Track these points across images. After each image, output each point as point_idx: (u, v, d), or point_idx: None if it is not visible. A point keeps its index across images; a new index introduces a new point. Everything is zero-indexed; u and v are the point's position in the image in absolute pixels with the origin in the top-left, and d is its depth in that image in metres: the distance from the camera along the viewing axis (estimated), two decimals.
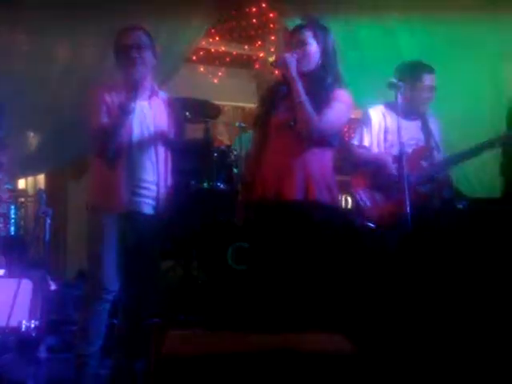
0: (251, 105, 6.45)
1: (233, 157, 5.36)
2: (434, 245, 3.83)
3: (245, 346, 2.58)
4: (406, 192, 3.29)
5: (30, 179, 6.79)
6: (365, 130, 4.02)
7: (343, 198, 5.07)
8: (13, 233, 6.31)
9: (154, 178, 3.44)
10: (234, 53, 7.79)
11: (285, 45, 3.42)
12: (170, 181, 3.53)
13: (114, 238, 3.36)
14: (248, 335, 2.71)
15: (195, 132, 5.68)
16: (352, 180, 4.08)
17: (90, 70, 5.19)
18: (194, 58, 7.25)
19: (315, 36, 3.34)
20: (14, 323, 4.18)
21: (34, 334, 4.21)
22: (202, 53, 7.43)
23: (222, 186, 5.15)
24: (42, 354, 4.08)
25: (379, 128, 4.00)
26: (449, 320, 3.67)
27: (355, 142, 4.04)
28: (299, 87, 3.24)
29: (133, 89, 3.27)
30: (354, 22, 5.24)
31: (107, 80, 3.97)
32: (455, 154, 4.03)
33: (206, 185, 5.14)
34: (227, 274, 5.04)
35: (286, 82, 3.38)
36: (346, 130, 5.26)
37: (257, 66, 7.75)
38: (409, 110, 3.97)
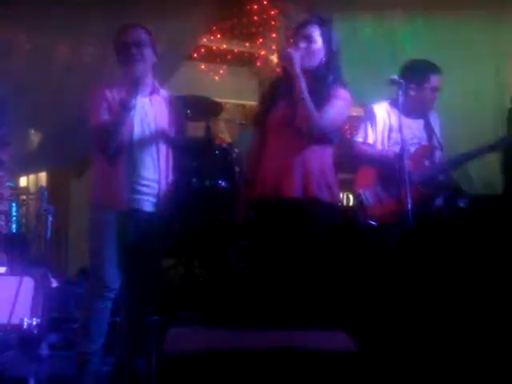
0: (252, 102, 6.45)
1: (234, 155, 5.35)
2: (436, 243, 3.83)
3: (246, 343, 2.58)
4: (408, 190, 3.29)
5: (32, 177, 6.80)
6: (369, 126, 4.00)
7: (344, 196, 5.07)
8: (14, 230, 6.33)
9: (156, 175, 3.44)
10: (236, 50, 7.77)
11: (288, 39, 3.41)
12: (171, 178, 3.53)
13: (116, 236, 3.37)
14: (249, 332, 2.72)
15: (196, 130, 5.67)
16: (355, 177, 4.06)
17: (91, 68, 5.19)
18: (195, 55, 7.24)
19: (321, 33, 3.33)
20: (15, 321, 4.19)
21: (35, 332, 4.22)
22: (203, 50, 7.41)
23: (223, 183, 5.14)
24: (44, 351, 4.08)
25: (384, 125, 3.98)
26: (451, 317, 3.67)
27: (359, 138, 4.02)
28: (302, 84, 3.23)
29: (133, 86, 3.27)
30: (357, 20, 5.24)
31: (108, 78, 3.98)
32: (457, 156, 4.02)
33: (207, 183, 5.14)
34: (228, 272, 5.04)
35: (286, 79, 3.38)
36: (347, 127, 5.26)
37: (258, 64, 7.73)
38: (413, 109, 3.97)
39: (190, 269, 5.09)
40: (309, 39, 3.31)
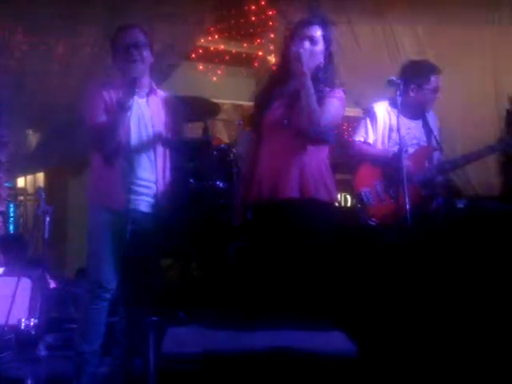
0: (250, 103, 6.45)
1: (232, 155, 5.35)
2: (434, 244, 3.83)
3: (244, 344, 2.58)
4: (406, 191, 3.29)
5: (30, 177, 6.78)
6: (369, 126, 4.00)
7: (342, 197, 5.07)
8: (12, 231, 6.32)
9: (153, 176, 3.44)
10: (233, 51, 7.77)
11: (287, 38, 3.38)
12: (168, 179, 3.52)
13: (113, 236, 3.36)
14: (247, 333, 2.71)
15: (194, 130, 5.68)
16: (355, 177, 4.05)
17: (89, 68, 5.19)
18: (193, 56, 7.23)
19: (323, 34, 3.33)
20: (13, 321, 4.19)
21: (33, 332, 4.22)
22: (201, 51, 7.40)
23: (221, 184, 5.14)
24: (42, 352, 4.08)
25: (384, 125, 3.98)
26: (450, 318, 3.68)
27: (359, 138, 4.02)
28: (310, 84, 3.21)
29: (131, 86, 3.27)
30: (355, 20, 5.25)
31: (105, 78, 3.97)
32: (457, 157, 4.03)
33: (204, 183, 5.14)
34: (226, 273, 5.04)
35: (284, 78, 3.38)
36: (345, 127, 5.27)
37: (256, 64, 7.73)
38: (413, 110, 3.98)
39: (188, 269, 5.09)
40: (312, 40, 3.29)
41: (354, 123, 4.64)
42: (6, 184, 5.43)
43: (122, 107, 3.25)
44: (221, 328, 2.83)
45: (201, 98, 5.53)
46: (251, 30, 7.44)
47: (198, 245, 5.18)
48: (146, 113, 3.45)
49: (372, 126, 3.99)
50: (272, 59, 6.87)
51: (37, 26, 5.19)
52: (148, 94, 3.49)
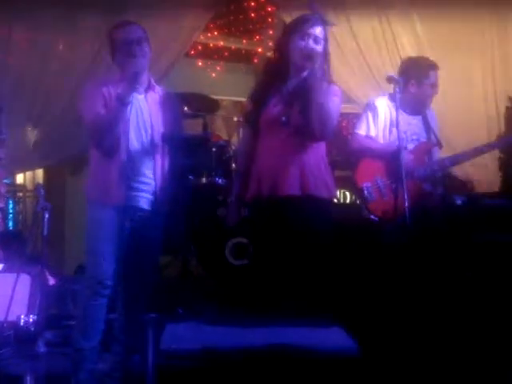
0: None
1: (231, 152, 5.36)
2: (434, 241, 3.83)
3: (243, 340, 2.58)
4: (405, 186, 3.29)
5: (29, 174, 6.76)
6: (371, 119, 4.01)
7: (341, 194, 5.07)
8: (11, 227, 6.31)
9: (152, 172, 3.43)
10: (233, 47, 7.77)
11: (286, 35, 3.37)
12: (167, 175, 3.52)
13: (112, 233, 3.36)
14: (246, 329, 2.71)
15: (194, 127, 5.67)
16: (356, 171, 4.03)
17: (88, 65, 5.18)
18: (193, 52, 7.23)
19: (324, 35, 3.32)
20: (12, 318, 4.19)
21: (32, 329, 4.22)
22: (200, 47, 7.41)
23: (220, 180, 5.16)
24: (41, 348, 4.08)
25: (385, 119, 3.99)
26: (452, 315, 3.68)
27: (361, 131, 4.02)
28: (322, 86, 3.21)
29: (131, 81, 3.27)
30: (353, 16, 5.24)
31: (104, 75, 3.97)
32: (456, 154, 4.04)
33: (204, 180, 5.14)
34: (225, 269, 5.04)
35: (283, 75, 3.37)
36: (344, 124, 5.27)
37: (255, 61, 7.73)
38: (412, 106, 4.01)
39: (187, 266, 5.09)
40: (316, 40, 3.28)
41: (353, 119, 4.64)
42: (5, 180, 5.42)
43: (123, 102, 3.25)
44: (220, 324, 2.83)
45: (200, 94, 5.55)
46: (250, 27, 7.45)
47: (197, 241, 5.19)
48: (145, 109, 3.45)
49: (373, 119, 4.00)
50: (271, 55, 6.87)
51: (36, 24, 5.18)
52: (146, 90, 3.48)
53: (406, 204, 3.24)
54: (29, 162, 5.53)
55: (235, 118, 5.78)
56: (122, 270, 3.41)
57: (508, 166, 4.79)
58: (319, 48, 3.26)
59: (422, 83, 3.98)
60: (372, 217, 3.90)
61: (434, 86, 4.02)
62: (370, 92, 4.89)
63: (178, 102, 3.79)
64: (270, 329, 2.70)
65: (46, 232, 4.21)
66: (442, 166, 4.03)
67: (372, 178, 3.93)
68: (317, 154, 3.32)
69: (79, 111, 3.46)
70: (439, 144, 4.05)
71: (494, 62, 5.17)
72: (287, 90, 3.35)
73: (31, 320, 4.25)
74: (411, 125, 3.99)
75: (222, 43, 7.65)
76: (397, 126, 3.54)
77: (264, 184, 3.30)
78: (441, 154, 4.12)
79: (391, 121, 3.95)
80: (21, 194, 6.56)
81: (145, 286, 3.49)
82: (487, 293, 3.82)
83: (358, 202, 4.63)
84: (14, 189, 6.37)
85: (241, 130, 5.38)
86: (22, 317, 4.25)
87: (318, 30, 3.28)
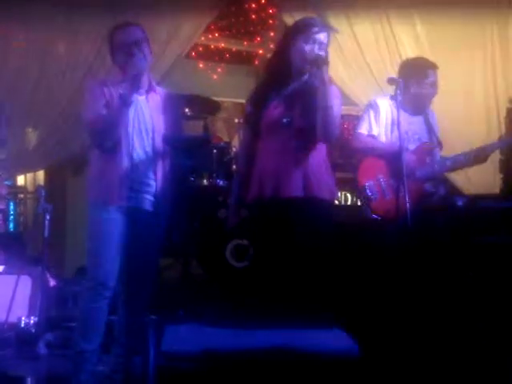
0: None
1: (232, 153, 5.36)
2: (435, 241, 3.83)
3: (244, 342, 2.58)
4: (406, 188, 3.30)
5: (30, 175, 6.77)
6: (373, 118, 4.01)
7: (342, 195, 5.06)
8: (12, 229, 6.31)
9: (153, 173, 3.43)
10: (234, 49, 7.77)
11: (289, 36, 3.37)
12: (168, 177, 3.52)
13: (113, 234, 3.36)
14: (247, 332, 2.71)
15: (194, 128, 5.68)
16: (358, 170, 4.02)
17: (89, 66, 5.18)
18: (194, 53, 7.24)
19: (328, 41, 3.33)
20: (13, 319, 4.19)
21: (33, 330, 4.22)
22: (201, 49, 7.41)
23: (221, 182, 5.16)
24: (41, 350, 4.08)
25: (387, 118, 4.00)
26: (454, 316, 3.68)
27: (363, 130, 4.02)
28: (329, 91, 3.21)
29: (133, 81, 3.27)
30: (354, 18, 5.24)
31: (105, 76, 3.97)
32: (458, 155, 4.04)
33: (205, 181, 5.14)
34: (226, 271, 5.04)
35: (284, 78, 3.37)
36: (345, 126, 5.27)
37: (256, 62, 7.73)
38: (413, 106, 4.03)
39: (188, 267, 5.09)
40: (320, 45, 3.28)
41: (354, 122, 4.64)
42: (6, 182, 5.42)
43: (125, 102, 3.25)
44: (221, 326, 2.82)
45: (201, 95, 5.54)
46: (251, 28, 7.45)
47: (197, 243, 5.19)
48: (146, 110, 3.45)
49: (375, 118, 4.00)
50: (272, 57, 6.86)
51: (36, 24, 5.18)
52: (147, 92, 3.48)
53: (407, 205, 3.25)
54: (30, 163, 5.53)
55: (236, 120, 5.77)
56: (124, 272, 3.41)
57: (508, 168, 4.80)
58: (323, 53, 3.27)
59: (422, 82, 4.00)
60: (374, 216, 3.90)
61: (434, 85, 4.04)
62: (370, 93, 4.89)
63: (179, 103, 3.79)
64: (271, 331, 2.70)
65: (46, 233, 4.21)
66: (444, 166, 4.04)
67: (374, 177, 3.94)
68: (319, 155, 3.33)
69: (81, 111, 3.47)
70: (440, 144, 4.07)
71: (495, 62, 5.18)
72: (288, 92, 3.35)
73: (32, 321, 4.25)
74: (412, 124, 4.00)
75: (223, 45, 7.65)
76: (398, 128, 3.54)
77: (266, 185, 3.30)
78: (442, 155, 4.13)
79: (393, 120, 3.96)
80: (22, 196, 6.56)
81: (146, 288, 3.49)
82: (487, 294, 3.82)
83: (359, 203, 4.65)
84: (14, 190, 6.37)
85: (241, 132, 5.39)
86: (23, 318, 4.25)
87: (322, 36, 3.28)
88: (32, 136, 5.39)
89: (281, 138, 3.30)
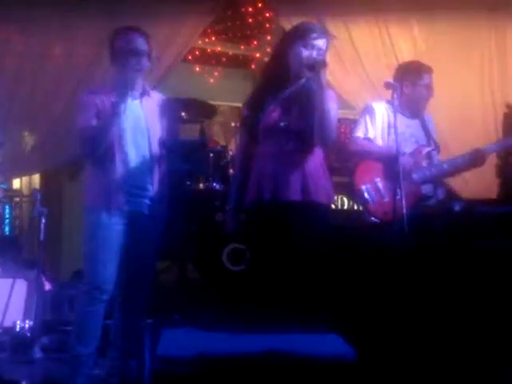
0: None
1: (229, 157, 5.35)
2: (432, 245, 3.83)
3: (240, 346, 2.57)
4: (403, 192, 3.30)
5: (25, 179, 6.75)
6: (369, 121, 4.03)
7: (339, 199, 5.06)
8: (7, 233, 6.30)
9: (149, 177, 3.43)
10: (230, 53, 7.77)
11: (287, 40, 3.37)
12: (165, 180, 3.51)
13: (109, 238, 3.35)
14: (243, 336, 2.71)
15: (191, 132, 5.67)
16: (355, 174, 4.03)
17: (86, 69, 5.17)
18: (190, 57, 7.23)
19: (326, 46, 3.32)
20: (8, 323, 4.18)
21: (28, 334, 4.21)
22: (197, 52, 7.41)
23: (217, 186, 5.15)
24: (37, 354, 4.07)
25: (383, 121, 4.01)
26: (452, 321, 3.68)
27: (359, 133, 4.04)
28: (323, 95, 3.21)
29: (124, 90, 3.27)
30: (352, 23, 5.25)
31: (101, 80, 3.97)
32: (455, 157, 4.06)
33: (201, 185, 5.14)
34: (222, 275, 5.03)
35: (277, 81, 3.36)
36: (342, 130, 5.27)
37: (253, 66, 7.73)
38: (409, 109, 4.05)
39: (184, 271, 5.08)
40: (318, 51, 3.28)
41: (351, 125, 4.64)
42: (2, 185, 5.41)
43: (115, 110, 3.25)
44: (216, 330, 2.82)
45: (197, 99, 5.53)
46: (248, 32, 7.45)
47: (194, 246, 5.18)
48: (140, 114, 3.45)
49: (371, 121, 4.02)
50: (269, 61, 6.87)
51: (34, 27, 5.17)
52: (141, 96, 3.48)
53: (404, 210, 3.25)
54: (26, 166, 5.51)
55: (233, 124, 5.77)
56: (120, 276, 3.40)
57: (505, 173, 4.80)
58: (320, 59, 3.27)
59: (416, 84, 4.02)
60: (372, 219, 3.90)
61: (429, 87, 4.06)
62: (368, 98, 4.90)
63: (175, 107, 3.79)
64: (267, 335, 2.69)
65: (42, 237, 4.20)
66: (441, 169, 4.04)
67: (371, 180, 3.94)
68: (316, 159, 3.32)
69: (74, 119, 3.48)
70: (437, 147, 4.08)
71: (493, 67, 5.19)
72: (285, 96, 3.34)
73: (27, 325, 4.24)
74: (409, 127, 4.02)
75: (219, 49, 7.65)
76: (395, 131, 3.55)
77: (264, 189, 3.29)
78: (440, 159, 4.14)
79: (389, 123, 3.97)
80: (17, 199, 6.54)
81: (142, 292, 3.49)
82: (485, 298, 3.82)
83: (356, 207, 4.66)
84: (10, 194, 6.35)
85: (238, 136, 5.38)
86: (18, 322, 4.24)
87: (321, 42, 3.29)
88: (28, 139, 5.37)
89: (278, 142, 3.30)
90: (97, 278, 3.34)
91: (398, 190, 3.34)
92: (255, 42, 7.63)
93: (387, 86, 3.59)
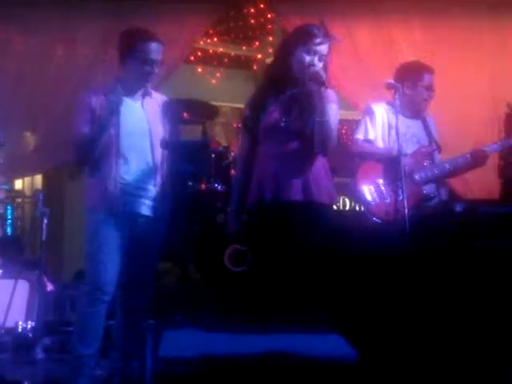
0: None
1: (230, 158, 5.35)
2: (434, 245, 3.83)
3: (242, 347, 2.57)
4: (405, 194, 3.31)
5: (27, 180, 6.76)
6: (369, 123, 4.04)
7: (341, 200, 5.06)
8: (10, 233, 6.30)
9: (151, 178, 3.43)
10: (232, 54, 7.78)
11: (289, 44, 3.36)
12: (167, 181, 3.51)
13: (112, 239, 3.35)
14: (245, 337, 2.71)
15: (193, 133, 5.67)
16: (356, 175, 4.04)
17: (86, 69, 5.17)
18: (192, 58, 7.24)
19: (328, 51, 3.32)
20: (10, 324, 4.18)
21: (30, 335, 4.21)
22: (199, 53, 7.41)
23: (219, 187, 5.15)
24: (39, 354, 4.07)
25: (383, 122, 4.03)
26: (453, 322, 3.67)
27: (359, 135, 4.05)
28: (328, 105, 3.20)
29: (128, 92, 3.30)
30: (352, 22, 5.24)
31: (102, 79, 3.97)
32: (456, 157, 4.06)
33: (203, 186, 5.14)
34: (224, 276, 5.03)
35: (278, 83, 3.36)
36: (344, 131, 5.27)
37: (255, 67, 7.74)
38: (410, 109, 4.05)
39: (186, 272, 5.08)
40: (320, 58, 3.27)
41: (352, 126, 4.64)
42: (4, 186, 5.41)
43: (114, 110, 3.27)
44: (218, 331, 2.82)
45: (199, 100, 5.53)
46: (250, 33, 7.46)
47: (195, 247, 5.18)
48: (142, 115, 3.45)
49: (371, 123, 4.04)
50: (271, 62, 6.87)
51: (35, 28, 5.17)
52: (143, 97, 3.48)
53: (406, 211, 3.25)
54: (28, 166, 5.52)
55: (234, 125, 5.76)
56: (122, 277, 3.40)
57: (507, 174, 4.80)
58: (321, 65, 3.27)
59: (417, 85, 4.03)
60: (374, 219, 3.90)
61: (429, 88, 4.07)
62: (369, 99, 4.89)
63: (176, 108, 3.79)
64: (269, 336, 2.69)
65: (44, 237, 4.20)
66: (443, 169, 4.05)
67: (373, 181, 3.95)
68: (318, 159, 3.32)
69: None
70: (439, 148, 4.09)
71: (494, 67, 5.18)
72: (286, 97, 3.34)
73: (29, 326, 4.24)
74: (410, 128, 4.03)
75: (221, 49, 7.66)
76: (396, 132, 3.55)
77: (265, 190, 3.29)
78: (441, 159, 4.14)
79: (389, 124, 3.98)
80: (19, 200, 6.55)
81: (144, 292, 3.49)
82: (486, 299, 3.82)
83: (357, 208, 4.66)
84: (12, 194, 6.35)
85: (240, 137, 5.38)
86: (20, 323, 4.24)
87: (323, 48, 3.28)
88: (30, 140, 5.38)
89: (279, 143, 3.30)
90: (98, 279, 3.34)
91: (400, 191, 3.35)
92: (257, 43, 7.64)
93: (389, 86, 3.60)
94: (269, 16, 6.87)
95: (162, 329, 2.83)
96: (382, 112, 4.03)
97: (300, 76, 3.30)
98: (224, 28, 7.23)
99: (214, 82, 7.63)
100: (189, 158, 4.54)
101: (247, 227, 3.50)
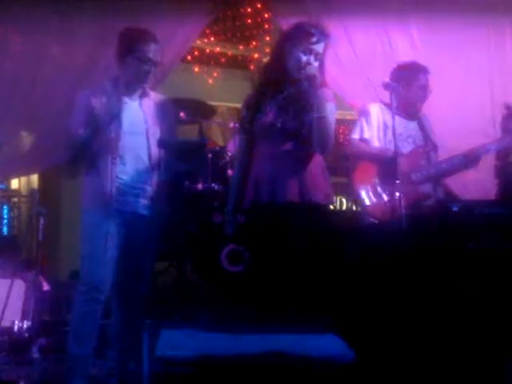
0: None
1: (227, 158, 5.35)
2: (430, 245, 3.83)
3: (239, 347, 2.57)
4: (400, 194, 3.31)
5: (24, 179, 6.75)
6: (364, 123, 4.06)
7: (338, 200, 5.07)
8: (6, 233, 6.28)
9: (148, 178, 3.43)
10: (229, 53, 7.77)
11: (285, 42, 3.36)
12: (163, 181, 3.51)
13: (107, 238, 3.35)
14: (242, 336, 2.70)
15: (189, 132, 5.67)
16: (353, 175, 4.05)
17: (84, 68, 5.16)
18: (189, 58, 7.24)
19: (324, 50, 3.32)
20: (6, 323, 4.18)
21: (26, 335, 4.21)
22: (196, 53, 7.41)
23: (216, 186, 5.14)
24: (35, 354, 4.07)
25: (378, 122, 4.05)
26: (451, 322, 3.68)
27: (355, 135, 4.07)
28: (324, 102, 3.21)
29: (126, 92, 3.29)
30: (349, 22, 5.24)
31: (101, 79, 3.96)
32: (453, 157, 4.06)
33: (200, 186, 5.13)
34: (220, 275, 5.03)
35: (274, 83, 3.36)
36: (341, 130, 5.27)
37: (252, 67, 7.73)
38: (406, 109, 4.07)
39: (183, 272, 5.08)
40: (316, 56, 3.28)
41: (349, 126, 4.65)
42: (0, 185, 5.40)
43: (113, 110, 3.26)
44: (215, 331, 2.81)
45: (196, 100, 5.54)
46: (247, 33, 7.45)
47: (192, 247, 5.18)
48: (140, 115, 3.45)
49: (367, 123, 4.06)
50: (268, 62, 6.87)
51: (31, 28, 5.16)
52: (140, 97, 3.48)
53: (403, 211, 3.26)
54: (24, 166, 5.50)
55: (231, 125, 5.76)
56: (118, 276, 3.40)
57: (504, 174, 4.80)
58: (317, 64, 3.27)
59: (412, 85, 4.06)
60: (371, 219, 3.91)
61: (424, 88, 4.09)
62: (365, 98, 4.89)
63: (173, 108, 3.79)
64: (266, 335, 2.69)
65: (40, 237, 4.20)
66: (440, 169, 4.05)
67: (370, 181, 3.96)
68: (315, 159, 3.32)
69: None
70: (435, 147, 4.10)
71: (492, 68, 5.18)
72: (283, 97, 3.34)
73: (25, 326, 4.24)
74: (407, 128, 4.05)
75: (218, 49, 7.65)
76: (393, 132, 3.55)
77: (262, 190, 3.29)
78: (437, 158, 4.15)
79: (384, 123, 4.01)
80: (16, 199, 6.53)
81: (140, 292, 3.49)
82: (483, 299, 3.82)
83: (354, 208, 4.66)
84: (8, 194, 6.34)
85: (236, 137, 5.38)
86: (16, 323, 4.24)
87: (320, 47, 3.28)
88: (26, 139, 5.36)
89: (276, 143, 3.30)
90: (94, 279, 3.34)
91: (396, 191, 3.35)
92: (254, 43, 7.64)
93: (386, 86, 3.60)
94: (266, 15, 6.87)
95: (159, 328, 2.83)
96: (377, 112, 4.05)
97: (296, 75, 3.29)
98: (221, 27, 7.23)
99: (210, 81, 7.63)
100: (185, 158, 4.54)
101: (244, 227, 3.50)
